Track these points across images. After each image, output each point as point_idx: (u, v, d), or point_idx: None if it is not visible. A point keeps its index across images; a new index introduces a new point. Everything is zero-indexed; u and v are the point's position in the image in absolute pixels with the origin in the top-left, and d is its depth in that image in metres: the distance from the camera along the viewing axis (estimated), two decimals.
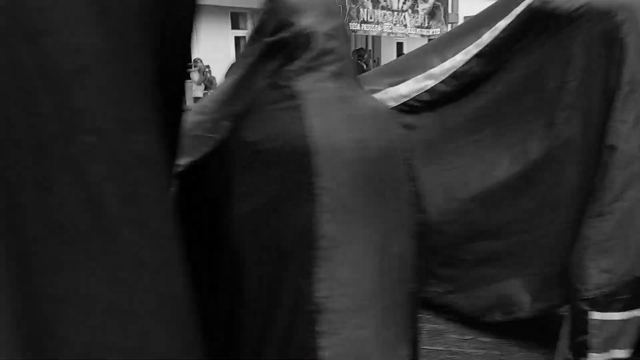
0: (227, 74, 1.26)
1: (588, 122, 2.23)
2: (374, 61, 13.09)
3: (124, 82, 0.67)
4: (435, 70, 2.78)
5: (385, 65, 4.73)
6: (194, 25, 0.90)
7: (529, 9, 2.47)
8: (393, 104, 2.79)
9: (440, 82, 2.76)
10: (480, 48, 2.63)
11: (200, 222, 1.18)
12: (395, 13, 11.10)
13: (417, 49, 3.45)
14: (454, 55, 2.72)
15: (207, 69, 9.97)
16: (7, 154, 0.61)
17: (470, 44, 2.67)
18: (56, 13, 0.62)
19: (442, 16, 12.25)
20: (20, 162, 0.61)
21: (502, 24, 2.56)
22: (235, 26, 12.28)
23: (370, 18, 10.49)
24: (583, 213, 2.15)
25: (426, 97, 2.81)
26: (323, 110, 1.11)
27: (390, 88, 2.87)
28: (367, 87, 2.91)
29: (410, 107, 2.84)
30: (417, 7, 11.60)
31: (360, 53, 11.73)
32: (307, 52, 1.13)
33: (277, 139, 1.08)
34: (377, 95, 2.79)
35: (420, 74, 2.83)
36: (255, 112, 1.12)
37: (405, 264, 1.22)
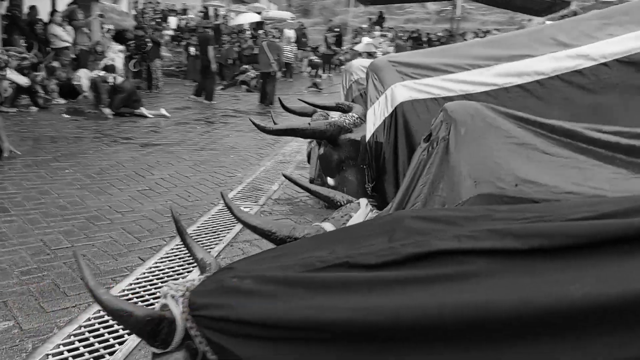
0: None
1: None
2: None
3: None
4: (588, 49, 2.48)
5: (463, 43, 4.38)
6: None
7: None
8: (512, 80, 2.55)
9: (602, 64, 2.45)
10: None
11: None
12: None
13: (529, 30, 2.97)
14: (612, 37, 2.44)
15: None
16: None
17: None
18: None
19: None
20: None
21: None
22: None
23: None
24: None
25: (577, 79, 2.48)
26: None
27: (504, 64, 2.60)
28: (461, 62, 2.67)
29: (541, 85, 2.53)
30: None
31: None
32: None
33: None
34: (477, 72, 2.59)
35: (553, 51, 2.53)
36: None
37: None
